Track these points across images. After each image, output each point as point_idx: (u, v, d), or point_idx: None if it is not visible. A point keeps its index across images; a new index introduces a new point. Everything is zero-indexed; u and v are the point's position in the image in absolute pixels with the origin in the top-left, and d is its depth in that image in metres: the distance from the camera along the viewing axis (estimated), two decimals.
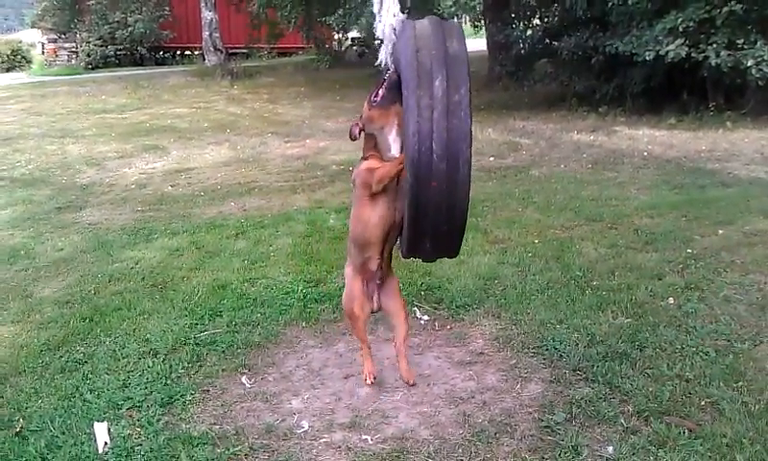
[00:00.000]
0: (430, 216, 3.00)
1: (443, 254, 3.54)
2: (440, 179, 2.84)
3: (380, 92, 3.31)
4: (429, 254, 3.49)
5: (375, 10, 3.40)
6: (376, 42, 3.45)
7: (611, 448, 2.93)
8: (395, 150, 3.29)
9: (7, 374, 3.85)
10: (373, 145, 3.38)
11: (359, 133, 3.40)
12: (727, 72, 10.06)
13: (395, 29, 3.28)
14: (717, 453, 2.84)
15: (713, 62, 9.91)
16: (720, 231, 5.56)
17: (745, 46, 9.88)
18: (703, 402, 3.21)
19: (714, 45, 9.94)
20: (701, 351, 3.68)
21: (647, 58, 10.35)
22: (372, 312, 3.57)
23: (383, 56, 3.39)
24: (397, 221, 3.34)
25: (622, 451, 2.90)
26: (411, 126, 2.79)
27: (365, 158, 3.41)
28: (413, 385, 3.54)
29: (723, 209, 6.16)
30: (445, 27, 3.05)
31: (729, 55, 9.85)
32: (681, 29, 10.04)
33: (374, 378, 3.54)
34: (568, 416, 3.18)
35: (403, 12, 3.30)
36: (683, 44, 10.02)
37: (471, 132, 2.85)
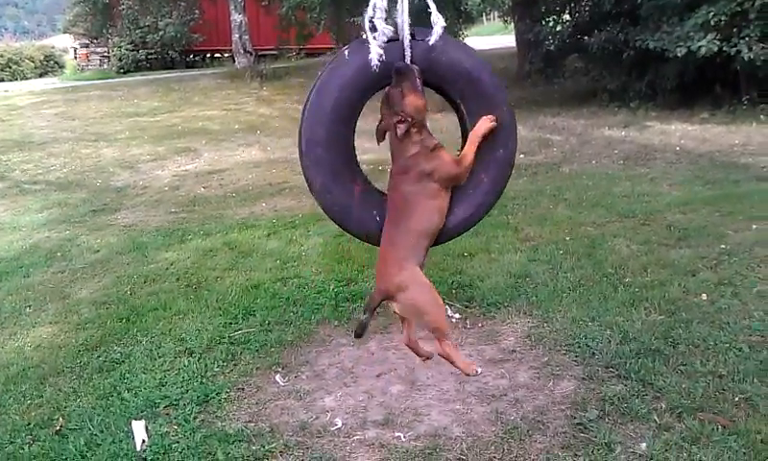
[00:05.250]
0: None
1: None
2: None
3: (419, 81, 3.25)
4: None
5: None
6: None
7: (644, 444, 2.93)
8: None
9: (46, 374, 3.94)
10: (427, 134, 3.33)
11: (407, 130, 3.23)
12: (760, 65, 9.90)
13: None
14: (752, 450, 2.82)
15: (746, 56, 9.76)
16: (754, 226, 5.49)
17: None
18: (737, 399, 3.19)
19: (747, 38, 9.80)
20: (734, 347, 3.65)
21: (678, 54, 10.24)
22: None
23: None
24: None
25: (655, 448, 2.89)
26: (511, 143, 3.69)
27: (434, 149, 3.30)
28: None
29: (757, 204, 6.08)
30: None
31: (762, 48, 9.71)
32: (712, 23, 9.92)
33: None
34: (601, 413, 3.18)
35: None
36: (714, 39, 9.89)
37: None
